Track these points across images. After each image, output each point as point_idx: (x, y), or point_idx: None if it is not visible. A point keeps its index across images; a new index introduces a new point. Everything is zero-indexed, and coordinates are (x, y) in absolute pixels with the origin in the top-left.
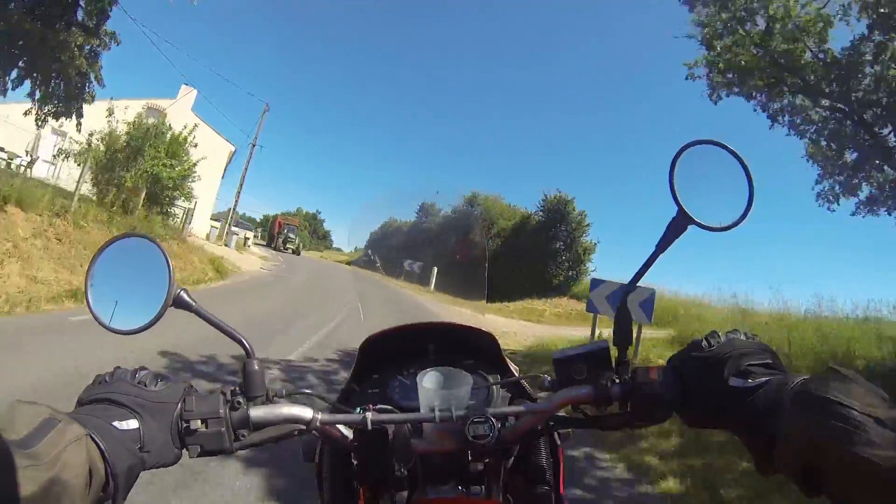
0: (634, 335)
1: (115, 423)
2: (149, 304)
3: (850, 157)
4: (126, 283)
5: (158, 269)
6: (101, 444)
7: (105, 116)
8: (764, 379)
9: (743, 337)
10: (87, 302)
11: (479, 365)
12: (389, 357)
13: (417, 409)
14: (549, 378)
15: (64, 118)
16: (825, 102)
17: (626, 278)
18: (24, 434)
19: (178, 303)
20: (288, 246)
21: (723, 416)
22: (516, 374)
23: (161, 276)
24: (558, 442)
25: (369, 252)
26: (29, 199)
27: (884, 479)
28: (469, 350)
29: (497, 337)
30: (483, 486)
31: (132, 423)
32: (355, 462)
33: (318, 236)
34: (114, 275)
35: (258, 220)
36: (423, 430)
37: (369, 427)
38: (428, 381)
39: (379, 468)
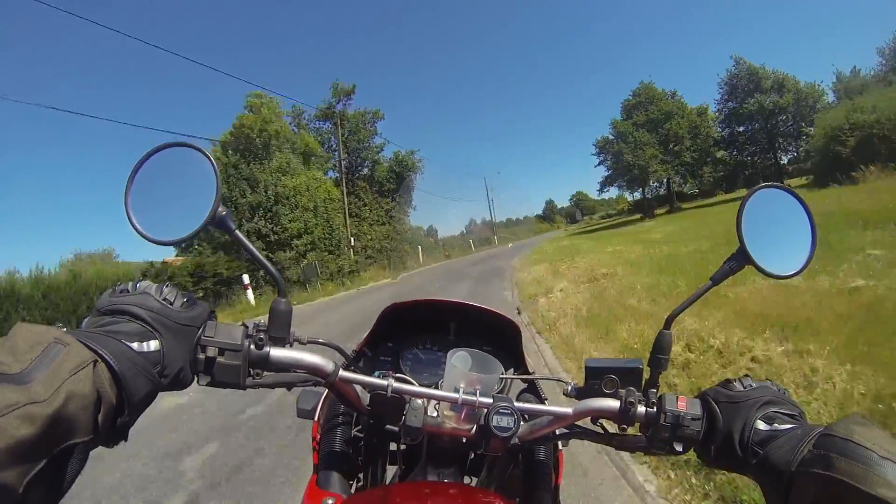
0: None
1: (135, 345)
2: (188, 218)
3: None
4: (168, 193)
5: (207, 185)
6: (116, 369)
7: None
8: (790, 426)
9: (775, 388)
10: (125, 205)
11: (495, 353)
12: (406, 328)
13: (431, 385)
14: (573, 384)
15: None
16: None
17: None
18: (24, 366)
19: (219, 223)
20: None
21: (744, 457)
22: (530, 371)
23: (208, 193)
24: (560, 445)
25: None
26: None
27: None
28: (489, 335)
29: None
30: (478, 477)
31: (153, 345)
32: (358, 427)
33: None
34: (157, 183)
35: None
36: (440, 410)
37: (389, 394)
38: (458, 360)
39: (385, 437)
